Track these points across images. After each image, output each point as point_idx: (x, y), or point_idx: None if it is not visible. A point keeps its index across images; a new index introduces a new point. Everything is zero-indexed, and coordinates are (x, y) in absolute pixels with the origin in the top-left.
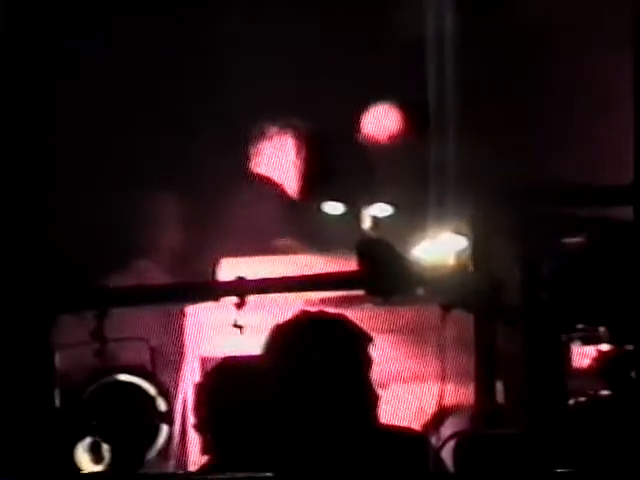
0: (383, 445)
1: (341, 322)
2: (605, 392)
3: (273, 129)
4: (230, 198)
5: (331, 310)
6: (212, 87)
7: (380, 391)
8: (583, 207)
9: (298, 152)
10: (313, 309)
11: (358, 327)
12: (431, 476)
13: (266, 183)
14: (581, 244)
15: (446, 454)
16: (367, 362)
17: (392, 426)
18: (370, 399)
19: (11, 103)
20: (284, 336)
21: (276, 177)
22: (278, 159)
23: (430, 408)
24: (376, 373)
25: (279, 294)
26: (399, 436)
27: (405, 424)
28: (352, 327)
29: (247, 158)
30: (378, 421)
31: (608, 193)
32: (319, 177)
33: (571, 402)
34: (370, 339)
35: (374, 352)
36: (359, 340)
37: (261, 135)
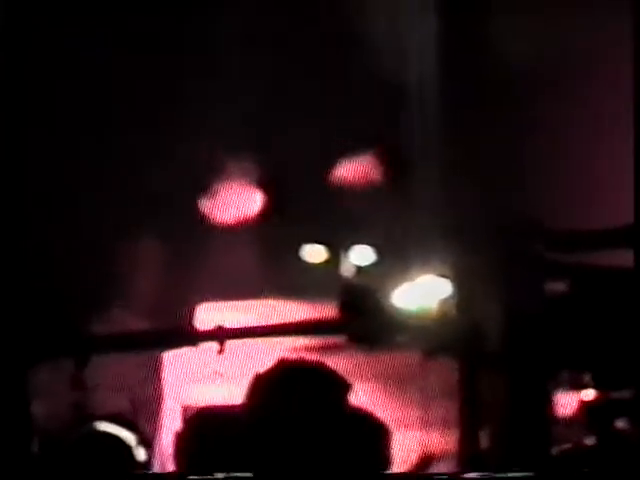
0: None
1: (320, 370)
2: (589, 439)
3: (241, 171)
4: (208, 244)
5: (312, 357)
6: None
7: (361, 438)
8: (568, 252)
9: (263, 196)
10: (292, 357)
11: (337, 375)
12: None
13: (244, 227)
14: (565, 290)
15: None
16: (346, 410)
17: (378, 477)
18: (351, 447)
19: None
20: (264, 385)
21: (250, 220)
22: (246, 203)
23: (414, 455)
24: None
25: (260, 340)
26: None
27: (389, 471)
28: (331, 375)
29: (221, 201)
30: (360, 468)
31: (596, 237)
32: (289, 219)
33: (555, 448)
34: (349, 387)
35: (355, 399)
36: (338, 388)
37: (230, 177)
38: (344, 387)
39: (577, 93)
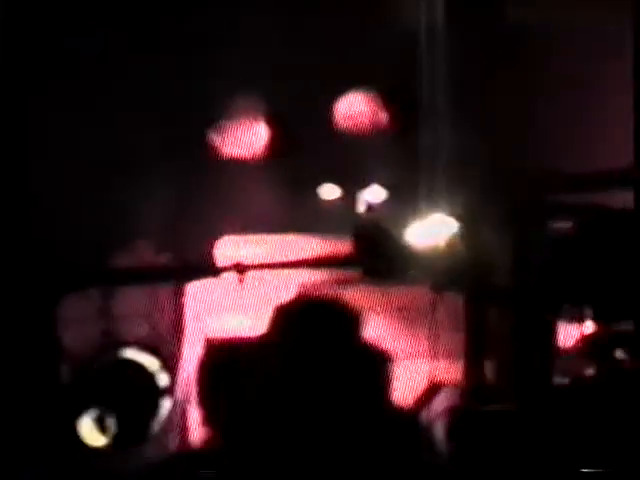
0: (378, 425)
1: (335, 303)
2: (590, 370)
3: (257, 108)
4: (228, 180)
5: (327, 290)
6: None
7: (374, 369)
8: (571, 193)
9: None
10: (311, 291)
11: (351, 307)
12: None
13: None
14: (568, 228)
15: (438, 429)
16: (362, 342)
17: (388, 406)
18: (365, 378)
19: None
20: (281, 316)
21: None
22: (249, 141)
23: (422, 384)
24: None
25: (277, 272)
26: (393, 415)
27: (398, 401)
28: (345, 308)
29: (239, 137)
30: (374, 401)
31: (599, 178)
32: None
33: (557, 379)
34: (362, 319)
35: (368, 331)
36: (352, 320)
37: (246, 113)
38: (357, 319)
39: (579, 42)
